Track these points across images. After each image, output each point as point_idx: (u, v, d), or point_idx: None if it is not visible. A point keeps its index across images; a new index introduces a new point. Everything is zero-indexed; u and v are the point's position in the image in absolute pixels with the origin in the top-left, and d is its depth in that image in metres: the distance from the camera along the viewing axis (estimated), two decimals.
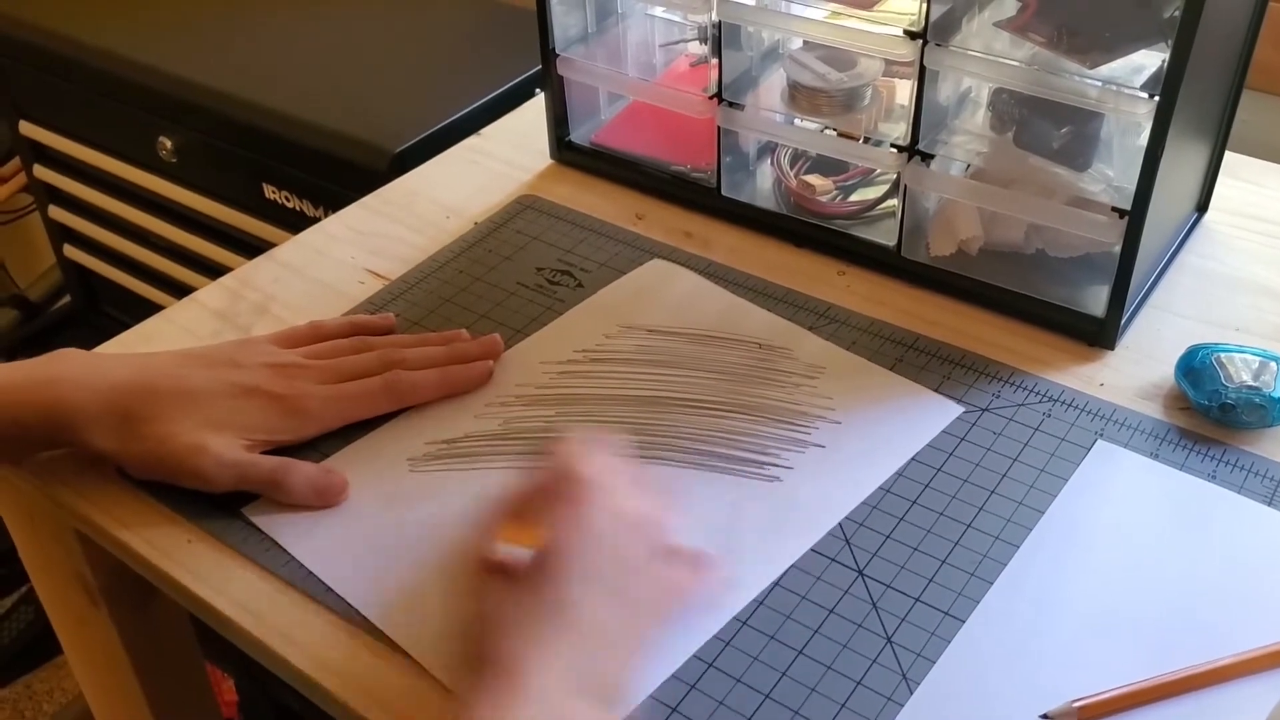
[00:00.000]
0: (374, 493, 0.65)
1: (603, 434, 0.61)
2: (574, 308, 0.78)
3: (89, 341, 0.73)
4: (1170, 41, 0.63)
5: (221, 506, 0.65)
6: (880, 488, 0.65)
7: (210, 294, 0.81)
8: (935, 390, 0.71)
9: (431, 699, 0.56)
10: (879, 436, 0.68)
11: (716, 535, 0.62)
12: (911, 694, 0.55)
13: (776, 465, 0.67)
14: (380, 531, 0.63)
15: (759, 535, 0.62)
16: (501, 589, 0.53)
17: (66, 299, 1.71)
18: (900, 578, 0.60)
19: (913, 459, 0.67)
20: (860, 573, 0.61)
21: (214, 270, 1.24)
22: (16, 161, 1.62)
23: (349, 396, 0.69)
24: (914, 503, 0.64)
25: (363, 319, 0.76)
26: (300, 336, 0.73)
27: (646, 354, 0.74)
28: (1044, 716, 0.54)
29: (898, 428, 0.69)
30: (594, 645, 0.52)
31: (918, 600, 0.59)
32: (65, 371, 0.65)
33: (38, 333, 1.72)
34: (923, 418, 0.69)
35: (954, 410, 0.69)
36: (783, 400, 0.71)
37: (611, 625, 0.53)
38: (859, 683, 0.56)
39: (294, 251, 0.85)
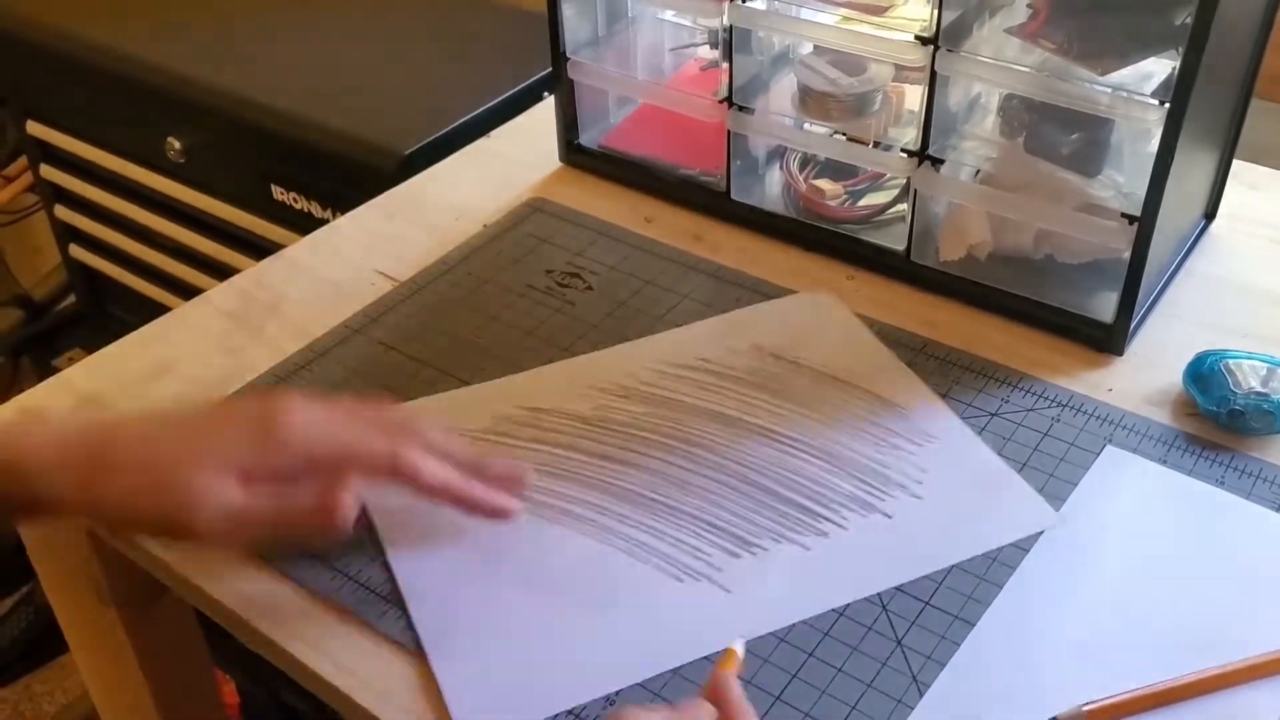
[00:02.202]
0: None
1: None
2: (714, 318, 0.77)
3: (94, 342, 0.72)
4: (1181, 49, 0.64)
5: None
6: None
7: (221, 294, 0.82)
8: (943, 396, 0.71)
9: (439, 693, 0.56)
10: (954, 526, 0.63)
11: (733, 567, 0.61)
12: (921, 697, 0.55)
13: (830, 521, 0.63)
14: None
15: (781, 585, 0.60)
16: None
17: (71, 299, 1.71)
18: (910, 580, 0.60)
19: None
20: None
21: (221, 271, 1.24)
22: (23, 161, 1.62)
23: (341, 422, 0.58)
24: None
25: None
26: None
27: (759, 377, 0.72)
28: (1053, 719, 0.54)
29: (979, 521, 0.63)
30: None
31: (927, 604, 0.59)
32: (17, 426, 0.58)
33: (42, 333, 1.72)
34: (1011, 517, 0.63)
35: (1050, 517, 0.63)
36: (871, 458, 0.66)
37: None
38: (869, 685, 0.56)
39: (305, 252, 0.86)
